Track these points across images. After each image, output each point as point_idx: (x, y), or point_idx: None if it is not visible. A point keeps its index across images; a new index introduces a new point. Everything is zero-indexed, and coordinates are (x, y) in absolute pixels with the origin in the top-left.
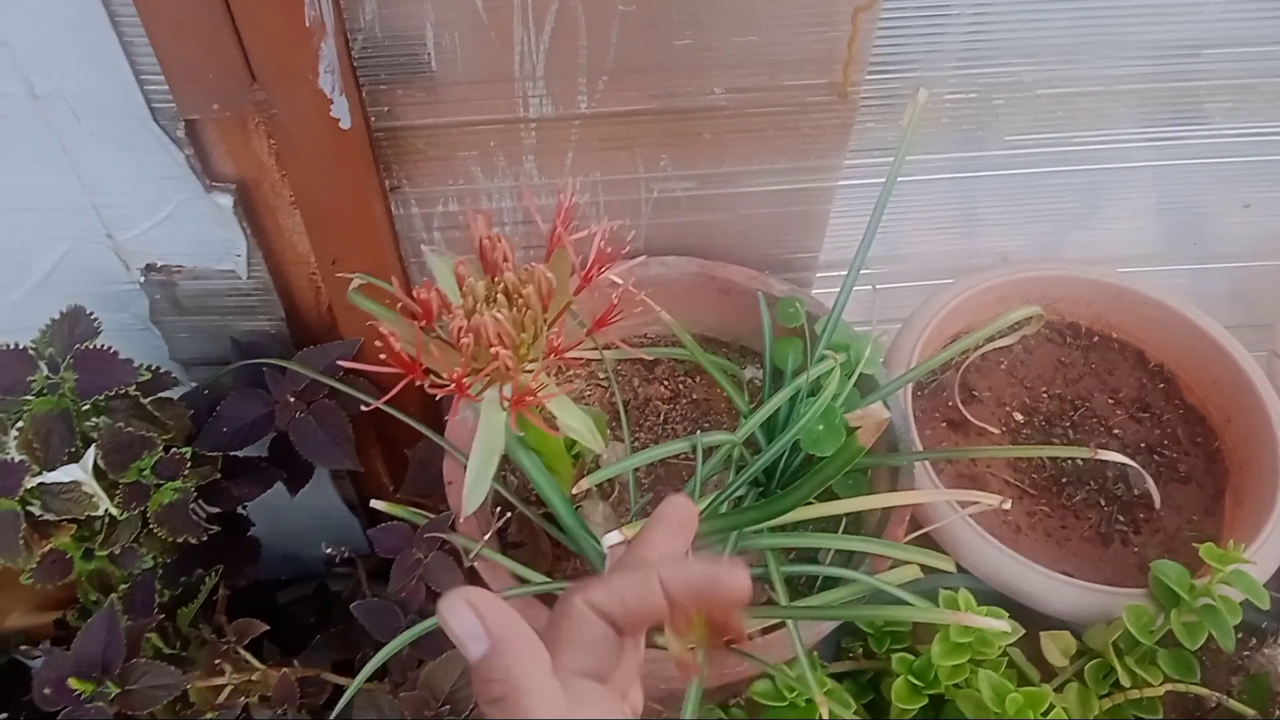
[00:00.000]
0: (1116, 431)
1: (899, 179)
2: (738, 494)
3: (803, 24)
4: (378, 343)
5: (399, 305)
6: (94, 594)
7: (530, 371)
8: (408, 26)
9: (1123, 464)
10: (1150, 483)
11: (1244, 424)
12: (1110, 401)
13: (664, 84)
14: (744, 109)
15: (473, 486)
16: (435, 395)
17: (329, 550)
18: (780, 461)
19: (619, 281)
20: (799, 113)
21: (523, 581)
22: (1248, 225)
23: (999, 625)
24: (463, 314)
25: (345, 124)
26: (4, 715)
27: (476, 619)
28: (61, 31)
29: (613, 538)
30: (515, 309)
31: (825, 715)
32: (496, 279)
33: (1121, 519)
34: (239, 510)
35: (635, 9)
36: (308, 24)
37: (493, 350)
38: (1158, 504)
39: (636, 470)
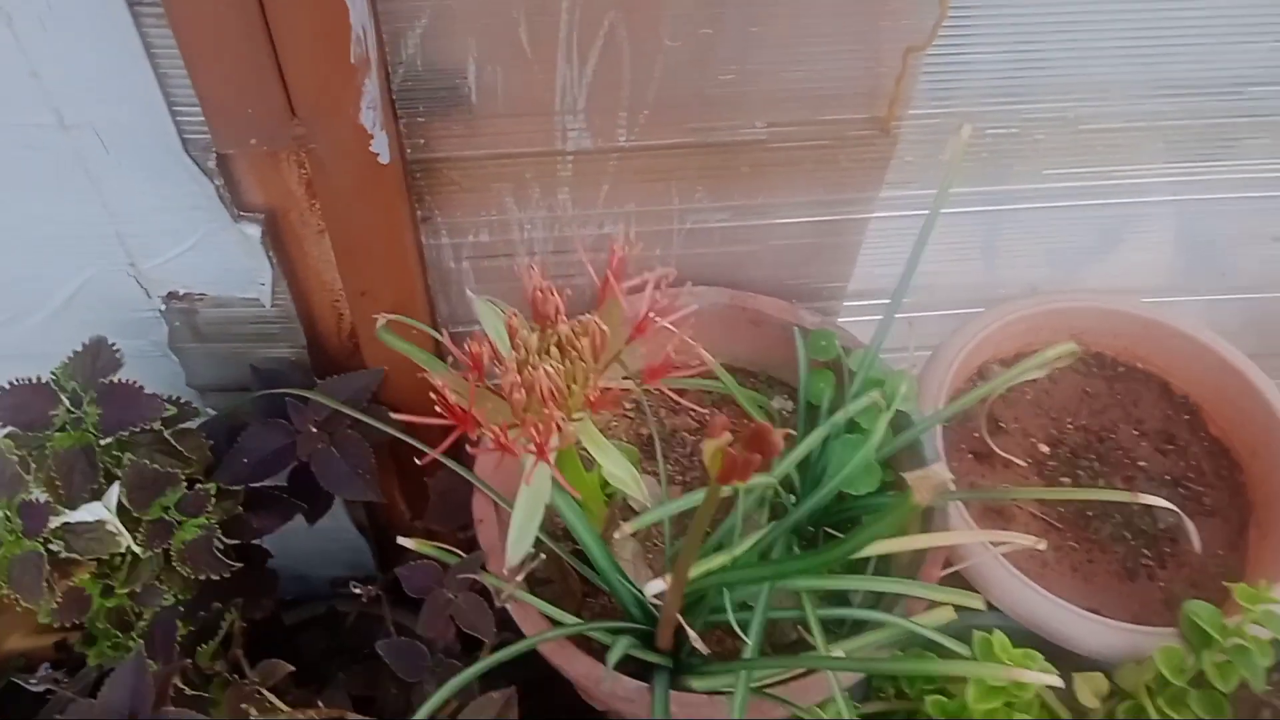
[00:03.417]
0: (1142, 464)
1: (924, 211)
2: (772, 537)
3: (850, 61)
4: (431, 394)
5: (450, 359)
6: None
7: (578, 420)
8: (450, 60)
9: (1137, 487)
10: (1191, 528)
11: (1269, 458)
12: (1136, 433)
13: (705, 118)
14: (784, 143)
15: (518, 538)
16: (475, 443)
17: (358, 590)
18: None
19: (672, 329)
20: (838, 147)
21: (555, 623)
22: (1265, 257)
23: (1051, 680)
24: (515, 367)
25: (384, 159)
26: None
27: None
28: (95, 63)
29: (655, 586)
30: (568, 361)
31: None
32: (549, 330)
33: (1147, 553)
34: (257, 542)
35: (681, 44)
36: (353, 61)
37: (545, 408)
38: (1197, 547)
39: None
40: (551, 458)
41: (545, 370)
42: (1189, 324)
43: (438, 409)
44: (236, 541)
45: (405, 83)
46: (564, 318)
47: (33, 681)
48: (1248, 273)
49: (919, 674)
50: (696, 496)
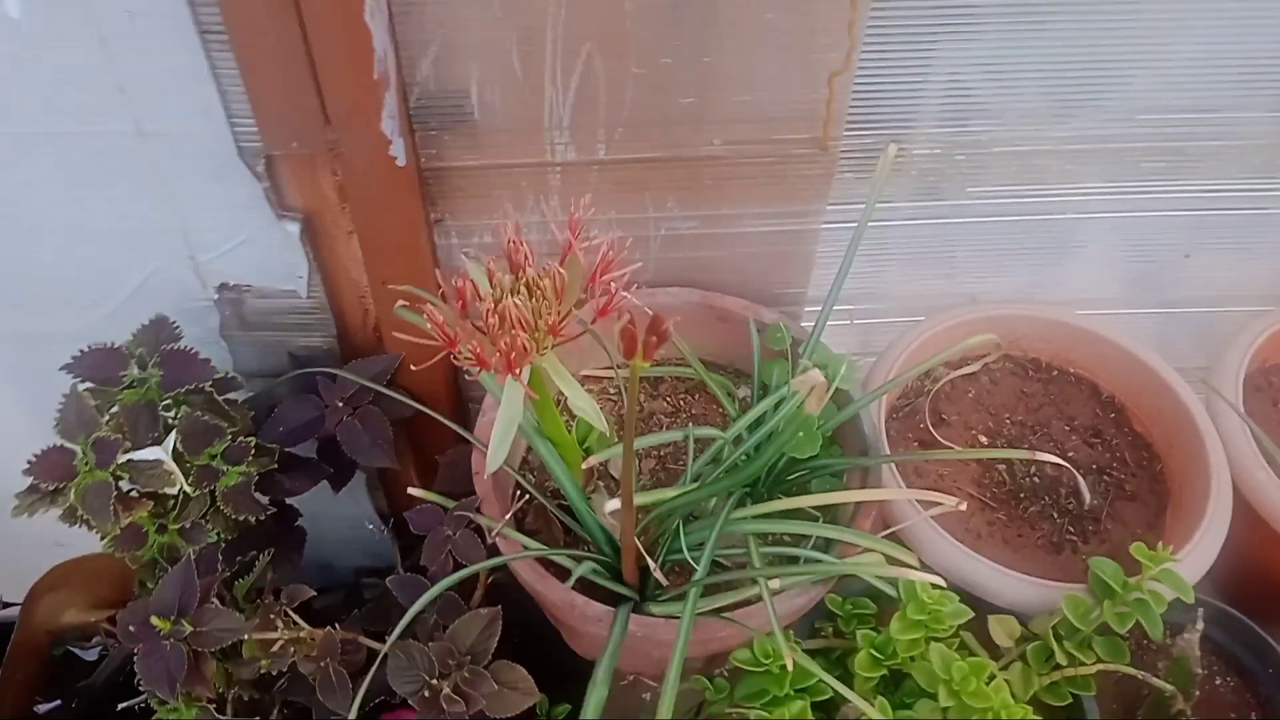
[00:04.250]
0: (1071, 454)
1: (874, 223)
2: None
3: (789, 86)
4: (430, 338)
5: (439, 293)
6: (150, 582)
7: (545, 352)
8: (456, 82)
9: (1066, 472)
10: (1081, 481)
11: (1183, 450)
12: (1066, 428)
13: (670, 136)
14: (739, 159)
15: (497, 446)
16: (464, 372)
17: (371, 527)
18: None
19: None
20: (786, 163)
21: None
22: (1188, 274)
23: (930, 578)
24: (492, 300)
25: (401, 162)
26: (57, 702)
27: None
28: (171, 79)
29: (613, 504)
30: (534, 299)
31: (790, 666)
32: (520, 275)
33: (1072, 530)
34: (288, 501)
35: (646, 72)
36: (376, 77)
37: (513, 332)
38: (1087, 499)
39: (639, 472)
40: (524, 377)
41: (514, 303)
42: (1113, 331)
43: (431, 331)
44: (268, 499)
45: (420, 101)
46: (532, 264)
47: (87, 648)
48: (1167, 286)
49: (830, 575)
50: (655, 438)
